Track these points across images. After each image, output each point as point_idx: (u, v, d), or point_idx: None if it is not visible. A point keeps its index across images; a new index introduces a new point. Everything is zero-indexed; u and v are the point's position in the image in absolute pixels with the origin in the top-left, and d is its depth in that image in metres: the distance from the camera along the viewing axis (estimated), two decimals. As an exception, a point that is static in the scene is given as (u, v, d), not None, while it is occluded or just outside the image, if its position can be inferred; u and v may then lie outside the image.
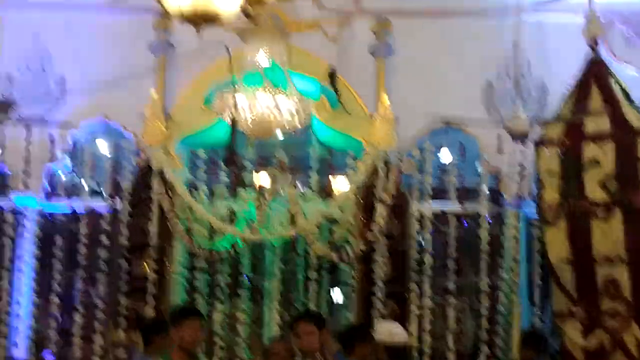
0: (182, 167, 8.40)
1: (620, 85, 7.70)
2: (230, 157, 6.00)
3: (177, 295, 8.33)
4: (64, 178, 8.54)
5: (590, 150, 7.63)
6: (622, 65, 8.39)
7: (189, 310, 6.12)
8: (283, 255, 8.56)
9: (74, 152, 8.56)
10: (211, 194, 8.45)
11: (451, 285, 8.42)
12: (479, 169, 8.50)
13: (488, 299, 8.37)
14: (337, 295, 8.81)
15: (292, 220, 8.23)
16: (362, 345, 6.07)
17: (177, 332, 5.60)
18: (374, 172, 8.23)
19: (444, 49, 8.47)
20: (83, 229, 8.39)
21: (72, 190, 8.57)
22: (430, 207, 8.42)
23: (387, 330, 6.72)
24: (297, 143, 8.52)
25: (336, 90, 8.24)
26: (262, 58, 6.73)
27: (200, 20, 4.71)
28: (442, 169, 8.50)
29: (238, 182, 8.46)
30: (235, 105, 6.25)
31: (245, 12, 6.06)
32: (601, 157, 7.60)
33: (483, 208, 8.41)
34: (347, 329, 6.82)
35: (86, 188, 8.54)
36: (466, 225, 8.63)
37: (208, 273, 8.47)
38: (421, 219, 8.37)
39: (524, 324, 8.27)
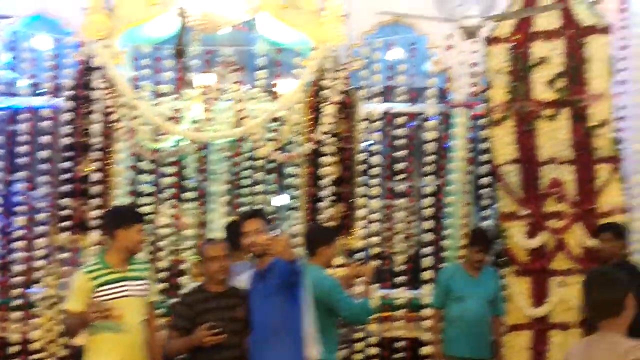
0: (126, 64, 8.14)
1: (572, -18, 7.63)
2: (179, 52, 5.78)
3: (120, 197, 8.18)
4: (1, 74, 8.24)
5: (539, 48, 7.59)
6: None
7: (133, 212, 5.94)
8: (229, 156, 8.44)
9: (12, 47, 8.24)
10: (155, 92, 8.24)
11: (399, 187, 8.42)
12: (429, 68, 8.43)
13: (435, 200, 8.40)
14: (283, 197, 8.75)
15: (238, 121, 8.08)
16: (325, 248, 6.00)
17: (122, 234, 5.49)
18: (322, 70, 8.10)
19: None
20: (22, 128, 8.14)
21: (10, 88, 8.29)
22: (379, 106, 8.33)
23: None
24: (244, 39, 8.32)
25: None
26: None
27: None
28: (391, 67, 8.37)
29: (183, 81, 8.25)
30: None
31: None
32: (550, 55, 7.57)
33: (432, 107, 8.36)
34: (309, 231, 6.75)
35: (25, 85, 8.25)
36: (414, 125, 8.59)
37: (152, 174, 8.31)
38: (369, 118, 8.29)
39: (470, 225, 8.35)
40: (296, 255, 5.24)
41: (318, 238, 6.04)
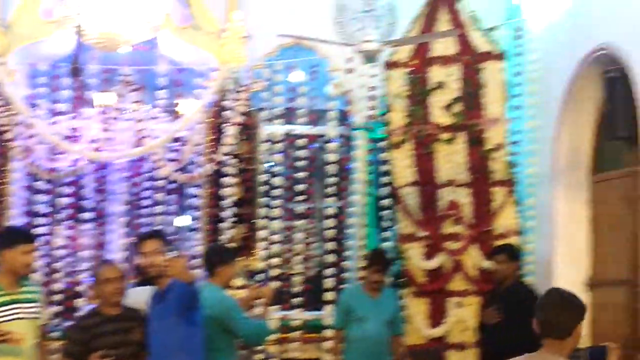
0: (21, 81, 7.98)
1: (468, 9, 7.81)
2: (74, 70, 5.69)
3: (15, 217, 7.97)
4: None
5: (436, 73, 7.75)
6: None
7: (21, 233, 5.76)
8: (128, 176, 8.32)
9: None
10: (53, 111, 8.08)
11: (299, 208, 8.44)
12: (330, 91, 8.50)
13: (336, 221, 8.45)
14: (185, 218, 8.67)
15: (139, 140, 8.00)
16: (224, 268, 5.93)
17: (7, 255, 5.32)
18: (224, 91, 8.09)
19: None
20: None
21: None
22: (280, 128, 8.36)
23: None
24: (145, 59, 8.25)
25: (186, 3, 7.99)
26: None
27: None
28: (293, 89, 8.41)
29: (82, 99, 8.11)
30: (79, 16, 5.95)
31: None
32: (447, 80, 7.73)
33: (332, 130, 8.43)
34: (208, 251, 6.69)
35: None
36: (315, 147, 8.64)
37: (49, 194, 8.13)
38: (270, 140, 8.30)
39: (370, 247, 8.42)
40: (195, 276, 5.19)
41: (217, 258, 5.97)
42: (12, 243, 5.31)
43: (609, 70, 6.94)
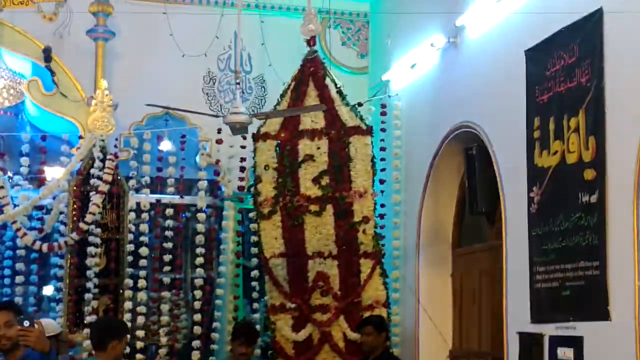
0: None
1: (335, 84, 7.97)
2: None
3: None
4: None
5: (305, 146, 7.83)
6: (337, 65, 8.81)
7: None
8: (-12, 244, 8.05)
9: None
10: None
11: (166, 279, 8.29)
12: (199, 160, 8.47)
13: (204, 292, 8.34)
14: (47, 288, 8.40)
15: (0, 208, 7.74)
16: (117, 343, 5.69)
17: None
18: (90, 159, 7.95)
19: (166, 36, 8.32)
20: None
21: None
22: (148, 197, 8.24)
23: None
24: (8, 125, 8.05)
25: (51, 70, 7.87)
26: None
27: None
28: (162, 158, 8.33)
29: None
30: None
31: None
32: (315, 153, 7.81)
33: (202, 200, 8.37)
34: (99, 323, 6.43)
35: None
36: (184, 216, 8.55)
37: None
38: (138, 209, 8.17)
39: (239, 318, 8.35)
40: (51, 346, 5.00)
41: (109, 331, 5.74)
42: None
43: (469, 147, 7.16)
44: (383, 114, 8.38)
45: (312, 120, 7.84)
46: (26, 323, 4.98)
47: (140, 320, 8.06)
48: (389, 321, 7.67)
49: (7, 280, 8.11)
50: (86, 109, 7.97)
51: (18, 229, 7.81)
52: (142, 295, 8.12)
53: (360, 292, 7.76)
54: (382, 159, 8.15)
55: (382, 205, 8.13)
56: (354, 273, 7.80)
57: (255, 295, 8.46)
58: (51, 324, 6.78)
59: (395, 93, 8.36)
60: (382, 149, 8.23)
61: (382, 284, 7.83)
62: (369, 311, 7.66)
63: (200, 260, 8.34)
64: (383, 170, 8.13)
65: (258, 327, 8.00)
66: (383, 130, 8.30)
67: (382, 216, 8.09)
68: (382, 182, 8.09)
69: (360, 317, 7.57)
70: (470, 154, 7.17)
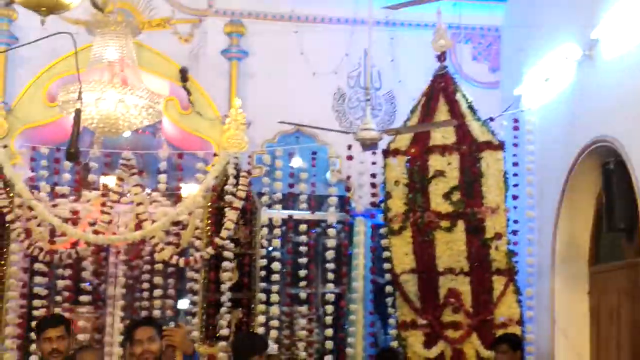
0: (23, 164, 8.04)
1: (466, 99, 7.90)
2: (71, 154, 5.71)
3: (14, 300, 7.93)
4: None
5: (436, 162, 7.79)
6: (468, 80, 8.72)
7: (49, 320, 5.74)
8: (127, 259, 8.31)
9: None
10: (53, 193, 8.11)
11: (300, 294, 8.39)
12: (329, 177, 8.54)
13: (336, 307, 8.38)
14: (183, 302, 8.63)
15: (138, 224, 8.01)
16: (257, 358, 5.80)
17: (39, 345, 5.30)
18: (224, 176, 8.14)
19: (297, 55, 8.49)
20: None
21: None
22: (280, 213, 8.36)
23: None
24: (146, 143, 8.32)
25: (187, 90, 8.11)
26: (110, 53, 6.55)
27: (45, 8, 4.53)
28: (293, 175, 8.45)
29: (82, 182, 8.15)
30: (80, 100, 6.02)
31: (95, 4, 5.88)
32: (446, 169, 7.76)
33: (332, 216, 8.43)
34: (239, 339, 6.59)
35: None
36: (315, 232, 8.63)
37: (48, 276, 8.10)
38: (270, 225, 8.31)
39: (367, 333, 8.37)
40: (194, 348, 5.13)
41: (249, 347, 5.85)
42: (38, 332, 5.32)
43: (607, 162, 6.95)
44: (516, 128, 8.22)
45: (443, 135, 7.79)
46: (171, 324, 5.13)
47: (273, 334, 8.17)
48: (523, 340, 7.51)
49: (145, 294, 8.36)
50: (220, 127, 8.17)
51: (156, 244, 8.05)
52: (274, 310, 8.23)
53: (493, 310, 7.65)
54: (515, 175, 8.01)
55: (516, 222, 7.97)
56: (486, 290, 7.70)
57: (389, 311, 8.42)
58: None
59: (528, 107, 8.20)
60: (515, 164, 8.08)
61: (515, 302, 7.70)
62: (502, 329, 7.54)
63: (331, 275, 8.40)
64: (516, 185, 7.98)
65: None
66: (515, 145, 8.15)
67: (515, 232, 7.94)
68: (515, 197, 7.95)
69: (493, 335, 7.45)
70: (608, 168, 6.95)
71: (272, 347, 7.15)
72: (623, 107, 6.53)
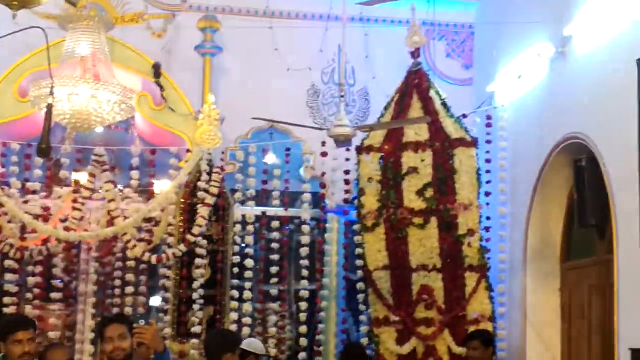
0: (-7, 160, 7.96)
1: (440, 96, 7.91)
2: (42, 150, 5.65)
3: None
4: None
5: (409, 159, 7.79)
6: (441, 77, 8.74)
7: (18, 321, 5.67)
8: (99, 256, 8.24)
9: None
10: (24, 189, 8.03)
11: (271, 290, 8.36)
12: (303, 173, 8.52)
13: (309, 304, 8.37)
14: (154, 299, 8.57)
15: (110, 220, 7.94)
16: (229, 356, 5.76)
17: (7, 347, 5.23)
18: (197, 172, 8.09)
19: (271, 50, 8.47)
20: None
21: None
22: (253, 209, 8.34)
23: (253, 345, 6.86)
24: (119, 139, 8.26)
25: (160, 85, 8.05)
26: (83, 48, 6.49)
27: (17, 2, 4.46)
28: (266, 171, 8.43)
29: (54, 178, 8.08)
30: (52, 96, 5.96)
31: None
32: (419, 165, 7.77)
33: (305, 212, 8.42)
34: (212, 336, 6.55)
35: None
36: (288, 229, 8.61)
37: (18, 273, 8.02)
38: (243, 221, 8.28)
39: (340, 330, 8.37)
40: (165, 345, 5.10)
41: (221, 344, 5.81)
42: (4, 334, 5.22)
43: (578, 159, 7.00)
44: (488, 125, 8.27)
45: (416, 132, 7.80)
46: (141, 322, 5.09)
47: (246, 331, 8.14)
48: (494, 336, 7.54)
49: (117, 291, 8.30)
50: (193, 122, 8.12)
51: (128, 241, 7.98)
52: (247, 307, 8.20)
53: (465, 306, 7.68)
54: (488, 171, 8.04)
55: (488, 218, 8.01)
56: (459, 286, 7.73)
57: (361, 307, 8.42)
58: (256, 343, 6.98)
59: (500, 104, 8.24)
60: (488, 160, 8.13)
61: (487, 298, 7.74)
62: (474, 325, 7.57)
63: (304, 272, 8.39)
64: (488, 182, 8.02)
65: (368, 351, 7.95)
66: (488, 142, 8.19)
67: (487, 229, 7.98)
68: (487, 194, 7.99)
69: (465, 331, 7.48)
70: (580, 165, 7.00)
71: (259, 346, 7.13)
72: (595, 104, 6.59)
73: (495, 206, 8.13)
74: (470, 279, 7.71)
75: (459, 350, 7.50)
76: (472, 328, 7.49)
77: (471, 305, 7.69)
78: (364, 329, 8.30)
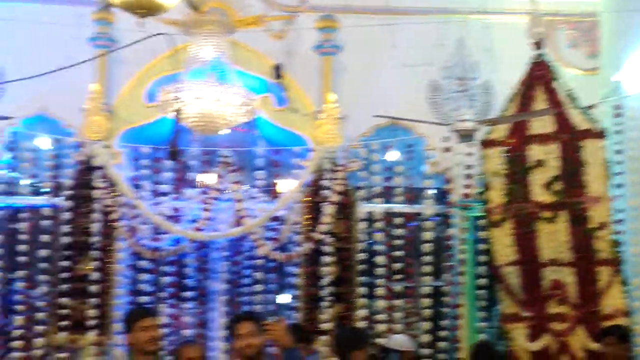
0: (125, 164, 8.24)
1: (564, 87, 7.74)
2: (172, 153, 5.85)
3: (120, 297, 8.16)
4: (2, 174, 8.33)
5: (535, 152, 7.67)
6: (565, 67, 8.52)
7: (144, 310, 5.93)
8: (228, 255, 8.44)
9: (13, 147, 8.29)
10: (155, 192, 8.30)
11: (398, 287, 8.36)
12: (426, 169, 8.48)
13: (436, 301, 8.32)
14: (283, 297, 8.71)
15: (238, 220, 8.12)
16: (358, 353, 5.82)
17: (134, 335, 5.46)
18: (321, 170, 8.17)
19: (390, 47, 8.45)
20: (23, 227, 8.18)
21: (11, 187, 8.35)
22: (377, 207, 8.34)
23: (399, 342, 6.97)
24: (243, 141, 8.42)
25: (283, 86, 8.16)
26: (207, 53, 6.65)
27: (143, 10, 4.62)
28: (389, 168, 8.43)
29: (183, 180, 8.32)
30: (179, 100, 6.14)
31: (191, 5, 5.97)
32: (546, 159, 7.63)
33: (429, 208, 8.38)
34: (341, 334, 6.63)
35: (26, 184, 8.33)
36: (413, 225, 8.58)
37: (152, 273, 8.31)
38: (368, 218, 8.30)
39: (471, 327, 8.27)
40: (294, 342, 5.19)
41: (350, 341, 5.86)
42: (131, 323, 5.48)
43: None
44: (617, 115, 8.02)
45: (542, 125, 7.66)
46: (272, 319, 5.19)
47: (378, 328, 8.17)
48: (630, 331, 7.32)
49: (247, 289, 8.49)
50: (315, 122, 8.21)
51: (256, 240, 8.15)
52: (380, 304, 8.23)
53: (599, 301, 7.49)
54: (619, 163, 7.81)
55: (620, 211, 7.78)
56: (592, 281, 7.55)
57: (485, 304, 8.30)
58: (402, 339, 7.06)
59: (629, 94, 7.97)
60: (618, 152, 7.89)
61: (622, 292, 7.53)
62: (608, 320, 7.38)
63: (429, 268, 8.35)
64: (619, 174, 7.78)
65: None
66: (618, 132, 7.95)
67: (619, 222, 7.74)
68: (618, 186, 7.76)
69: (599, 327, 7.27)
70: None
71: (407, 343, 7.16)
72: None
73: (628, 198, 7.88)
74: (603, 273, 7.53)
75: (594, 346, 7.31)
76: (607, 324, 7.28)
77: (605, 300, 7.51)
78: (488, 325, 8.17)
